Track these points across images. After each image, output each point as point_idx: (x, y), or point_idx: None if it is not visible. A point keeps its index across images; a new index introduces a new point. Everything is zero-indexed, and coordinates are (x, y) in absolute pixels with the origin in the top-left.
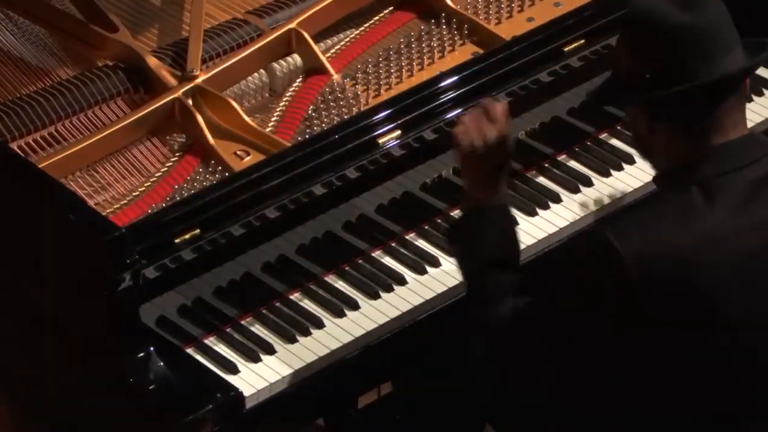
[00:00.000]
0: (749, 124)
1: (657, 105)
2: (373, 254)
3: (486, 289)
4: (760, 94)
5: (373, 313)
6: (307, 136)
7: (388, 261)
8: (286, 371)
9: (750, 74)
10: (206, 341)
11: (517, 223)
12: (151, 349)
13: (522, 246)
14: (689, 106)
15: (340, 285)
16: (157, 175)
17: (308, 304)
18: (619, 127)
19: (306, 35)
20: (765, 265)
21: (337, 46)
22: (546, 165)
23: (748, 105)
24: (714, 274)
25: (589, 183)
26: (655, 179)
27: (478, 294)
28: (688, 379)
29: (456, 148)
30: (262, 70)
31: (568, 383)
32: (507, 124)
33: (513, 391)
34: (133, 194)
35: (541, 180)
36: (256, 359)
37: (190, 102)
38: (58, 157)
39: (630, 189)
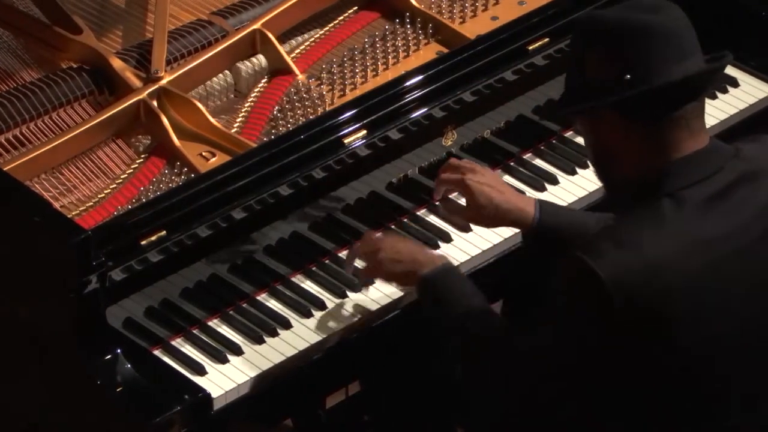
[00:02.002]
0: (714, 122)
1: (635, 105)
2: (339, 254)
3: (474, 339)
4: (725, 91)
5: (340, 313)
6: (272, 137)
7: (355, 261)
8: (254, 372)
9: (716, 77)
10: (173, 343)
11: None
12: (119, 351)
13: (490, 244)
14: (665, 103)
15: (308, 285)
16: (122, 177)
17: (275, 305)
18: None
19: (271, 36)
20: (729, 275)
21: (302, 47)
22: (512, 164)
23: (712, 102)
24: (688, 287)
25: (554, 181)
26: (616, 199)
27: (467, 348)
28: (661, 390)
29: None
30: (227, 71)
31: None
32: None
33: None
34: (99, 196)
35: (507, 179)
36: (224, 360)
37: (155, 103)
38: (23, 159)
39: (595, 187)
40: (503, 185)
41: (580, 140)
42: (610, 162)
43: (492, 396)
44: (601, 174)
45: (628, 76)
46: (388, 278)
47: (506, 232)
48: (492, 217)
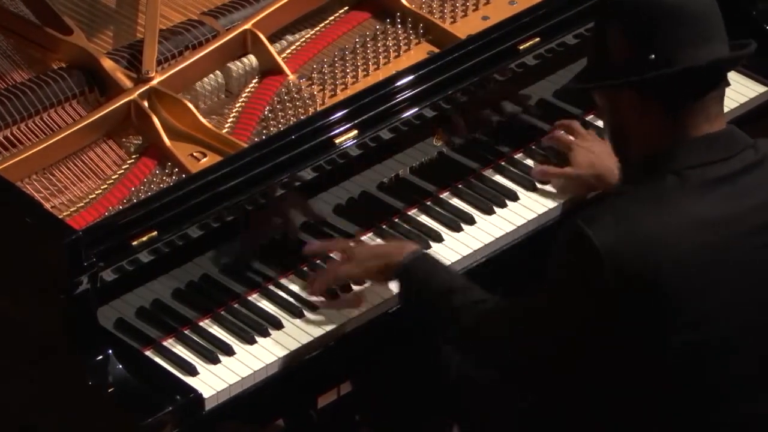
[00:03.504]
0: None
1: (656, 87)
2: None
3: (461, 314)
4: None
5: (332, 314)
6: (263, 137)
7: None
8: (246, 372)
9: (738, 65)
10: (165, 343)
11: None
12: (110, 351)
13: (481, 245)
14: (687, 87)
15: (298, 285)
16: (113, 177)
17: (267, 305)
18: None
19: (261, 36)
20: (722, 260)
21: (293, 47)
22: (503, 163)
23: None
24: (680, 265)
25: (546, 181)
26: (627, 172)
27: (455, 321)
28: (651, 371)
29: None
30: (217, 71)
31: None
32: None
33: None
34: (90, 197)
35: (498, 178)
36: (215, 361)
37: (145, 104)
38: (14, 160)
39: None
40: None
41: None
42: (625, 139)
43: (492, 362)
44: (616, 150)
45: (653, 56)
46: (368, 276)
47: (496, 232)
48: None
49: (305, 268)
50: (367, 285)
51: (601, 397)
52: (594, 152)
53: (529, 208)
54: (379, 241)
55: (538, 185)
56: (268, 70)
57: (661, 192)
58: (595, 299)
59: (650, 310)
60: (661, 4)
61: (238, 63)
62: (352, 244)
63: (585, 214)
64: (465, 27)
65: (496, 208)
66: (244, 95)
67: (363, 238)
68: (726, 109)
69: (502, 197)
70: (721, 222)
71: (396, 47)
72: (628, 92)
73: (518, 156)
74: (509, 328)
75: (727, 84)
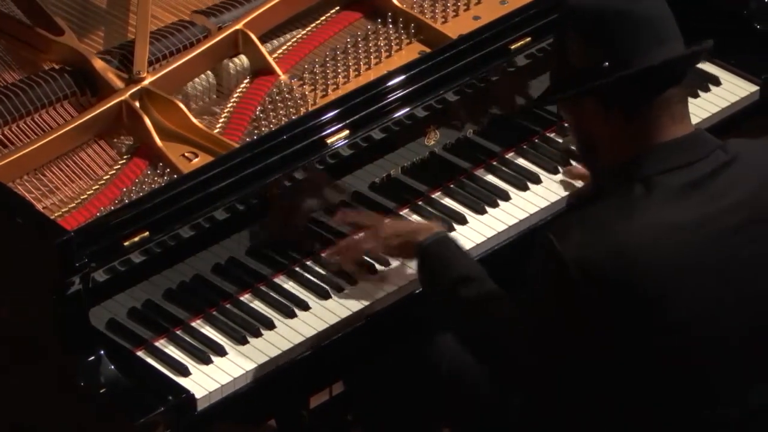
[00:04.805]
0: (697, 120)
1: (614, 92)
2: (323, 254)
3: (466, 305)
4: (706, 89)
5: (323, 314)
6: (255, 137)
7: (339, 261)
8: (238, 372)
9: (695, 63)
10: (157, 344)
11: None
12: (102, 352)
13: (473, 244)
14: (644, 88)
15: (291, 286)
16: (105, 178)
17: (259, 305)
18: (566, 125)
19: (253, 36)
20: (700, 262)
21: (284, 47)
22: (494, 163)
23: (694, 101)
24: (654, 271)
25: (537, 180)
26: (596, 181)
27: (459, 310)
28: (638, 375)
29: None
30: (209, 72)
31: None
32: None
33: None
34: (82, 197)
35: (490, 178)
36: (207, 361)
37: (137, 104)
38: (6, 161)
39: (578, 184)
40: None
41: (562, 141)
42: (592, 149)
43: (486, 358)
44: (585, 160)
45: (607, 64)
46: (389, 252)
47: (488, 231)
48: None
49: (297, 269)
50: (393, 266)
51: (591, 398)
52: None
53: (520, 207)
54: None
55: (530, 185)
56: (260, 70)
57: (629, 200)
58: (571, 309)
59: (628, 316)
60: (611, 10)
61: (230, 63)
62: (381, 220)
63: (555, 226)
64: (456, 27)
65: (487, 208)
66: (235, 95)
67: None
68: (717, 109)
69: (493, 197)
70: (694, 225)
71: (387, 47)
72: (589, 100)
73: (510, 156)
74: (504, 328)
75: (694, 95)
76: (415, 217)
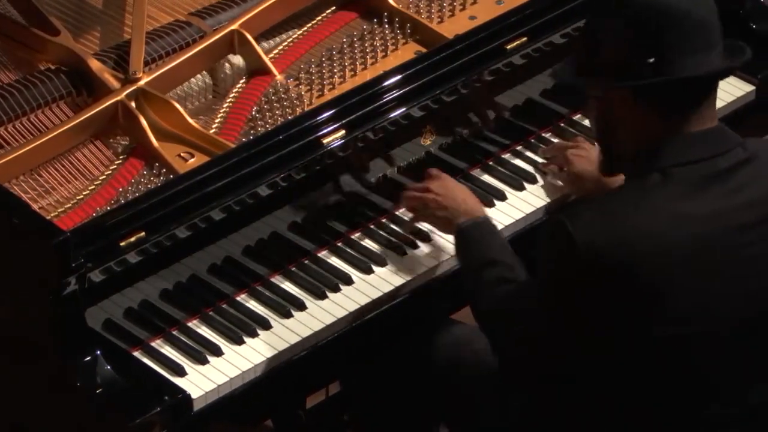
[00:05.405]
0: None
1: (652, 90)
2: (319, 254)
3: (495, 284)
4: None
5: (320, 314)
6: (251, 137)
7: (335, 261)
8: (234, 373)
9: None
10: (153, 344)
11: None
12: (98, 352)
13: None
14: (683, 95)
15: (287, 285)
16: (101, 178)
17: (255, 305)
18: (562, 125)
19: (248, 36)
20: (706, 257)
21: (280, 47)
22: (491, 163)
23: None
24: (660, 261)
25: (534, 180)
26: (605, 162)
27: (481, 293)
28: (637, 368)
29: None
30: (205, 72)
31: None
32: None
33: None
34: (78, 198)
35: (486, 178)
36: (204, 361)
37: (133, 104)
38: (2, 161)
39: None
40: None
41: (558, 140)
42: (612, 131)
43: (500, 342)
44: (602, 146)
45: (652, 60)
46: (429, 221)
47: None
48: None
49: (293, 268)
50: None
51: (591, 395)
52: (592, 159)
53: (516, 207)
54: (367, 241)
55: (526, 185)
56: (256, 70)
57: (645, 189)
58: (576, 290)
59: (632, 303)
60: (669, 9)
61: (226, 63)
62: (442, 188)
63: (568, 209)
64: (452, 27)
65: (484, 208)
66: (231, 95)
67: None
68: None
69: (490, 197)
70: (707, 218)
71: (383, 47)
72: (622, 91)
73: (506, 156)
74: (518, 310)
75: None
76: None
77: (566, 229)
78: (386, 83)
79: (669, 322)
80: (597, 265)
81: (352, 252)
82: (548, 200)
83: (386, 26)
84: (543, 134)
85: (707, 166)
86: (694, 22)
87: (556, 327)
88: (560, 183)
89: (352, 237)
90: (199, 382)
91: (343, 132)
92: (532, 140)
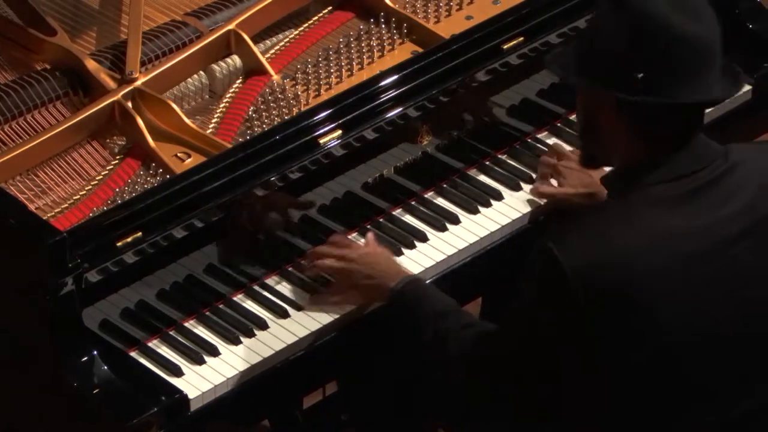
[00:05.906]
0: None
1: (638, 108)
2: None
3: (448, 338)
4: None
5: (316, 314)
6: (247, 137)
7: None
8: (231, 373)
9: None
10: (150, 344)
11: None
12: (95, 353)
13: (466, 243)
14: (670, 119)
15: (283, 286)
16: (97, 178)
17: (252, 306)
18: (558, 125)
19: (245, 36)
20: (698, 271)
21: (277, 47)
22: (487, 163)
23: None
24: (652, 279)
25: (530, 180)
26: (585, 161)
27: (443, 346)
28: (634, 383)
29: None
30: (201, 72)
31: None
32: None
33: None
34: (74, 198)
35: (483, 178)
36: (201, 361)
37: (129, 105)
38: None
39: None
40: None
41: (554, 141)
42: (592, 131)
43: (476, 386)
44: (582, 139)
45: (641, 76)
46: (355, 290)
47: (481, 231)
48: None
49: (290, 269)
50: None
51: (583, 409)
52: (584, 171)
53: (513, 207)
54: (362, 241)
55: (523, 185)
56: (252, 70)
57: (629, 208)
58: (566, 318)
59: (626, 323)
60: (670, 25)
61: (222, 63)
62: (354, 254)
63: (553, 233)
64: (449, 27)
65: (480, 208)
66: (228, 96)
67: (351, 236)
68: (709, 108)
69: (486, 197)
70: (693, 233)
71: (380, 47)
72: (608, 97)
73: (503, 156)
74: (492, 350)
75: None
76: (408, 218)
77: (554, 256)
78: (383, 83)
79: (661, 337)
80: (589, 289)
81: None
82: (545, 201)
83: (383, 26)
84: (539, 134)
85: (689, 182)
86: (692, 43)
87: (541, 355)
88: (549, 201)
89: (349, 237)
90: (196, 382)
91: (339, 132)
92: (529, 140)
